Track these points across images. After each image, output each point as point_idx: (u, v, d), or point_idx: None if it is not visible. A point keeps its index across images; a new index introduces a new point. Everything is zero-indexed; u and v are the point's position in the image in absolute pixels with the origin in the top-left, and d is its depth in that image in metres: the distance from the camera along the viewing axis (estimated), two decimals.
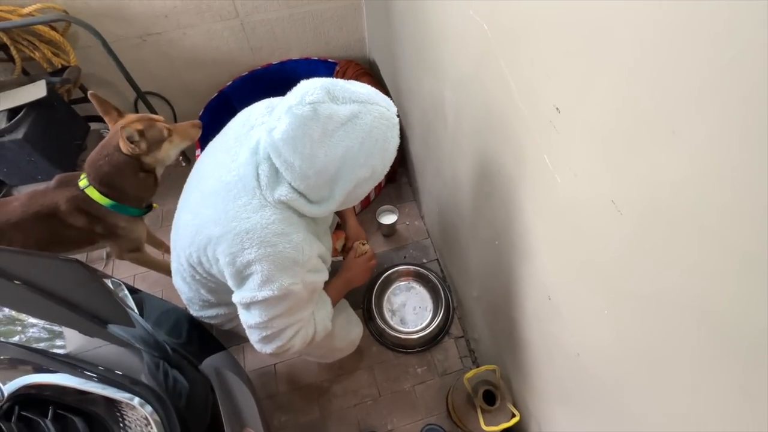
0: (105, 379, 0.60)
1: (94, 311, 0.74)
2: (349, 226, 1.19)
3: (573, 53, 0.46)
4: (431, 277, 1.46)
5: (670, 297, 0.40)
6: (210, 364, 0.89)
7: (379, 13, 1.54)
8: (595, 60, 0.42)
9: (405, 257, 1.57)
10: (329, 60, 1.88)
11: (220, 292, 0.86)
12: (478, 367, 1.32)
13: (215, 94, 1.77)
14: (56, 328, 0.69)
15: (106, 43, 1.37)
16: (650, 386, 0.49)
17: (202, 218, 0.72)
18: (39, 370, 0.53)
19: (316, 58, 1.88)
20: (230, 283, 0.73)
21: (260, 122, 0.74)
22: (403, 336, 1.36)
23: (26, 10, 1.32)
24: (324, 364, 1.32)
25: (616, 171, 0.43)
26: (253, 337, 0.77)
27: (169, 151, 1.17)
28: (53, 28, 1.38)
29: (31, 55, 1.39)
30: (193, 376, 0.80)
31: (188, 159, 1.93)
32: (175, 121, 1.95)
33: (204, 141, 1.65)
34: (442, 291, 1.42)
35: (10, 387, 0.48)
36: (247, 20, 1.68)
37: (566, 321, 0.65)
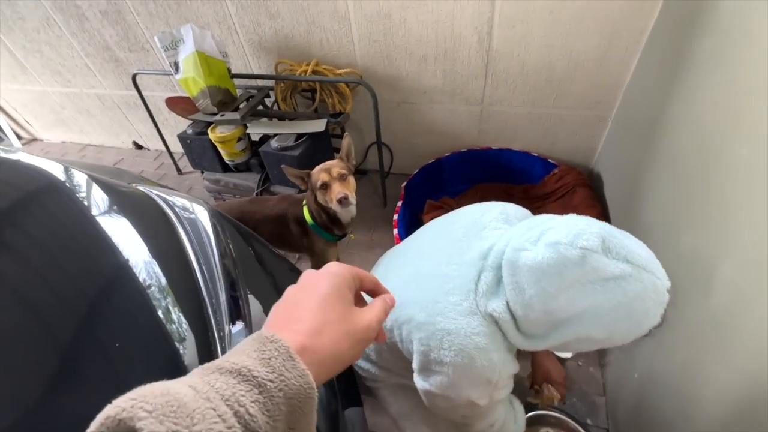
0: None
1: None
2: (538, 363, 1.11)
3: None
4: None
5: None
6: (352, 414, 0.90)
7: (634, 133, 1.42)
8: None
9: (564, 404, 1.30)
10: (549, 160, 1.85)
11: (384, 358, 0.87)
12: None
13: (432, 160, 1.96)
14: None
15: (376, 103, 1.71)
16: None
17: (410, 295, 0.73)
18: None
19: (536, 154, 1.88)
20: (415, 365, 0.73)
21: (493, 226, 0.73)
22: None
23: (339, 71, 1.78)
24: None
25: None
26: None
27: (324, 199, 1.26)
28: (348, 86, 1.82)
29: (326, 99, 1.86)
30: (337, 420, 0.82)
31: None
32: (389, 172, 2.26)
33: (408, 197, 1.85)
34: None
35: None
36: (487, 109, 1.83)
37: None
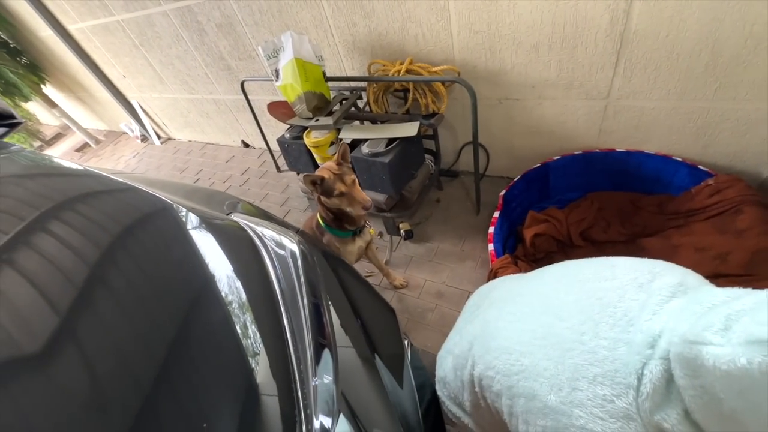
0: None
1: (379, 346, 0.78)
2: None
3: None
4: None
5: None
6: None
7: None
8: None
9: None
10: (699, 167, 1.45)
11: (481, 414, 0.76)
12: None
13: (537, 165, 1.71)
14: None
15: (475, 101, 1.53)
16: None
17: (536, 365, 0.59)
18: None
19: (679, 158, 1.49)
20: None
21: (666, 300, 0.53)
22: None
23: (435, 69, 1.64)
24: None
25: None
26: None
27: (340, 205, 1.29)
28: (443, 83, 1.67)
29: (419, 99, 1.74)
30: None
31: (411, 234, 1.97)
32: (484, 174, 2.06)
33: (508, 205, 1.64)
34: None
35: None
36: (614, 104, 1.50)
37: None
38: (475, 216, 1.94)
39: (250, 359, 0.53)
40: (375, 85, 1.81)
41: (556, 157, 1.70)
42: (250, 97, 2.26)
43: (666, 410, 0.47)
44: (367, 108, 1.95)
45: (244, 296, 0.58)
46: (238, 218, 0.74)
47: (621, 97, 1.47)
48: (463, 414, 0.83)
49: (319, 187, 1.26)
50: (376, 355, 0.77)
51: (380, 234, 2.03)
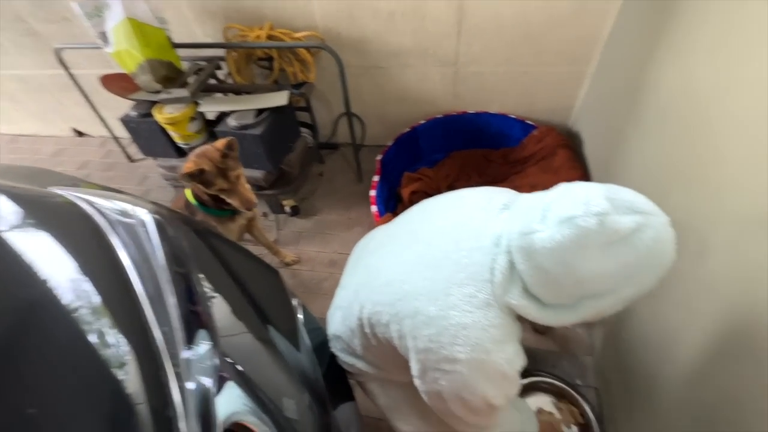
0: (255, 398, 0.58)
1: (268, 313, 0.76)
2: None
3: None
4: (585, 408, 1.18)
5: None
6: (343, 412, 0.85)
7: (616, 88, 1.36)
8: None
9: (554, 367, 1.31)
10: (527, 121, 1.78)
11: (373, 353, 0.81)
12: None
13: (407, 129, 1.85)
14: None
15: (342, 69, 1.55)
16: None
17: (415, 287, 0.67)
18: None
19: (514, 116, 1.80)
20: (415, 367, 0.67)
21: (496, 213, 0.67)
22: None
23: (297, 35, 1.59)
24: None
25: None
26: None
27: (220, 194, 1.20)
28: (309, 51, 1.64)
29: (286, 68, 1.67)
30: (326, 419, 0.76)
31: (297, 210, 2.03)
32: (362, 144, 2.12)
33: (384, 170, 1.74)
34: None
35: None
36: (462, 70, 1.71)
37: None
38: (358, 184, 2.01)
39: (94, 335, 0.45)
40: (235, 53, 1.67)
41: (422, 122, 1.86)
42: (75, 71, 1.84)
43: (512, 291, 0.60)
44: (231, 80, 1.79)
45: (74, 272, 0.49)
46: (64, 191, 0.61)
47: (465, 63, 1.68)
48: (356, 359, 0.88)
49: (197, 178, 1.13)
50: (267, 323, 0.75)
51: (264, 214, 1.93)
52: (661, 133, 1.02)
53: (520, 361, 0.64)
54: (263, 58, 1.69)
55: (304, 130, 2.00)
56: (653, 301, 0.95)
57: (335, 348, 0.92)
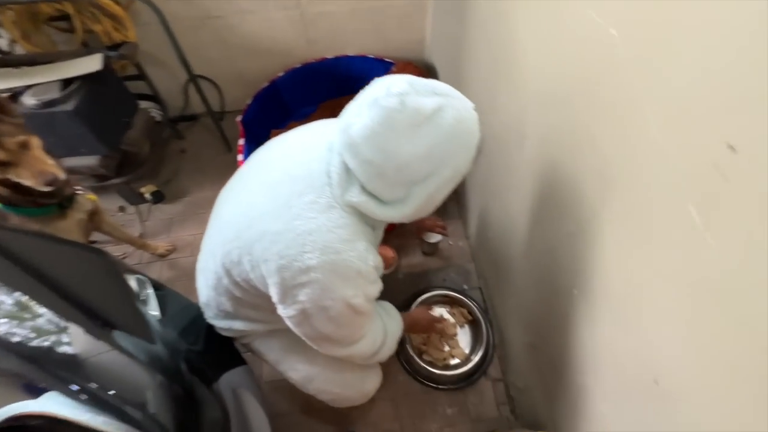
0: (103, 403, 0.51)
1: (105, 313, 0.66)
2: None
3: None
4: (472, 307, 1.32)
5: None
6: (228, 382, 0.80)
7: (449, 14, 1.42)
8: None
9: (444, 280, 1.43)
10: (386, 59, 1.78)
11: (243, 305, 0.78)
12: (516, 418, 1.17)
13: (266, 84, 1.71)
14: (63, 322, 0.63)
15: (165, 21, 1.33)
16: None
17: (258, 210, 0.66)
18: (29, 389, 0.44)
19: (372, 56, 1.78)
20: (275, 292, 0.65)
21: (333, 126, 0.69)
22: (434, 369, 1.22)
23: None
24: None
25: None
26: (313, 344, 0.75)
27: (18, 176, 0.93)
28: (117, 2, 1.36)
29: (93, 27, 1.38)
30: (206, 398, 0.71)
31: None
32: (224, 109, 1.92)
33: (249, 132, 1.60)
34: (484, 325, 1.27)
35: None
36: (307, 11, 1.61)
37: (687, 419, 0.49)
38: (228, 154, 1.84)
39: None
40: (12, 12, 1.31)
41: (281, 74, 1.74)
42: None
43: (350, 190, 0.62)
44: (21, 50, 1.42)
45: None
46: None
47: (309, 3, 1.58)
48: (231, 321, 0.83)
49: None
50: (94, 318, 0.64)
51: (122, 208, 1.66)
52: (488, 52, 1.09)
53: (372, 257, 0.67)
54: (57, 17, 1.36)
55: (147, 103, 1.72)
56: (502, 193, 1.07)
57: (209, 317, 0.85)
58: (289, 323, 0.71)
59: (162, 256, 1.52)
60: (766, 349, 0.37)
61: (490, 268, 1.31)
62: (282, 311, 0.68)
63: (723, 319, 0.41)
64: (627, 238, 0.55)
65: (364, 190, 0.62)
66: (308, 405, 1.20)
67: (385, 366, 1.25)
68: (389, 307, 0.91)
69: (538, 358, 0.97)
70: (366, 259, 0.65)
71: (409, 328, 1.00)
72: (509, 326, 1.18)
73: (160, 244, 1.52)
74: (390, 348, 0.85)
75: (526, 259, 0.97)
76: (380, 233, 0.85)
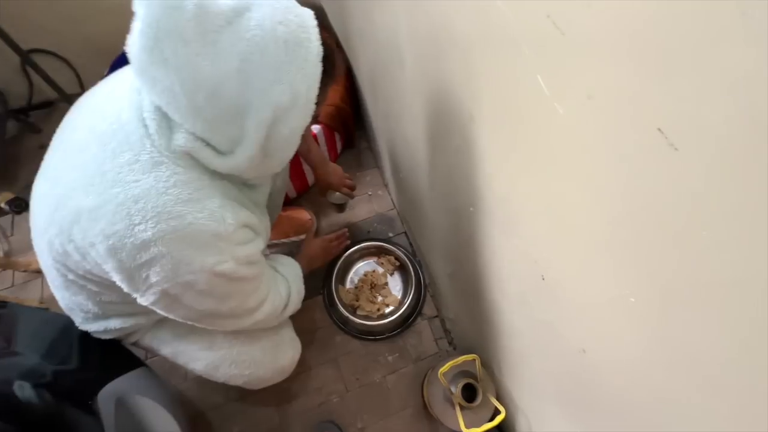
0: None
1: None
2: (316, 179, 1.15)
3: None
4: (399, 252, 1.29)
5: (755, 289, 0.23)
6: (112, 393, 0.68)
7: None
8: None
9: (369, 232, 1.38)
10: None
11: (106, 300, 0.65)
12: (455, 348, 1.19)
13: (124, 49, 1.44)
14: None
15: None
16: (699, 408, 0.33)
17: (65, 185, 0.53)
18: None
19: None
20: (118, 279, 0.54)
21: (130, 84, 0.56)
22: (370, 321, 1.20)
23: None
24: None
25: (670, 80, 0.25)
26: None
27: None
28: None
29: None
30: (78, 421, 0.60)
31: None
32: (83, 88, 1.61)
33: None
34: (412, 268, 1.26)
35: None
36: None
37: (567, 308, 0.49)
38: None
39: None
40: None
41: None
42: None
43: (176, 137, 0.50)
44: None
45: None
46: None
47: None
48: (104, 321, 0.71)
49: None
50: None
51: None
52: None
53: (231, 214, 0.56)
54: None
55: None
56: (400, 126, 1.01)
57: (79, 323, 0.72)
58: (159, 311, 0.60)
59: (39, 271, 1.28)
60: (610, 216, 0.34)
61: (408, 209, 1.28)
62: (141, 300, 0.57)
63: (580, 195, 0.38)
64: (499, 134, 0.51)
65: (191, 134, 0.50)
66: (242, 391, 1.12)
67: (319, 331, 1.21)
68: (279, 257, 0.84)
69: (459, 286, 0.96)
70: (223, 219, 0.54)
71: (309, 265, 0.95)
72: (433, 262, 1.17)
73: (33, 260, 1.29)
74: (298, 293, 0.80)
75: (432, 189, 0.93)
76: (265, 190, 0.74)
